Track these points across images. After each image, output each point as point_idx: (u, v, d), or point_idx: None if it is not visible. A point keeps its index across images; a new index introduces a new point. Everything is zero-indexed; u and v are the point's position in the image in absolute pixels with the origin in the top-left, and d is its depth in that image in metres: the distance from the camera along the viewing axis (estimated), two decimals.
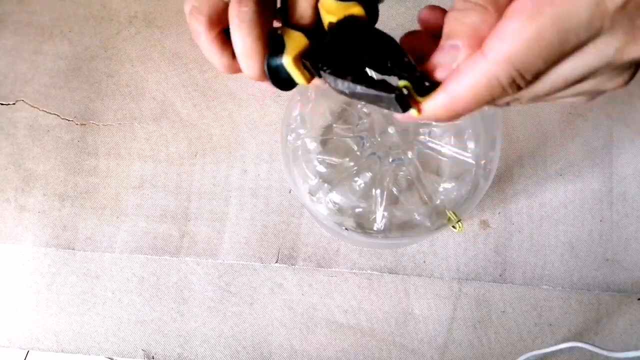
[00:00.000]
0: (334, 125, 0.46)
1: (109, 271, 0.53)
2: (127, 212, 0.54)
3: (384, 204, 0.43)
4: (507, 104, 0.22)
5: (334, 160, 0.45)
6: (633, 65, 0.20)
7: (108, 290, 0.52)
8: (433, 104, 0.21)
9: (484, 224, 0.52)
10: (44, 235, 0.53)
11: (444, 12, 0.23)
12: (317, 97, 0.45)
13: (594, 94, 0.22)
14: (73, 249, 0.53)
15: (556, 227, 0.52)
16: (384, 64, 0.24)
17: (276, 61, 0.25)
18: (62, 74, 0.57)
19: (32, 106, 0.57)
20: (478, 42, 0.20)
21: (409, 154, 0.44)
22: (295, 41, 0.26)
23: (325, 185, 0.44)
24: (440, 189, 0.44)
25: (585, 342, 0.43)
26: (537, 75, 0.19)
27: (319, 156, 0.45)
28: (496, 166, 0.41)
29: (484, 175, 0.42)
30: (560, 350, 0.47)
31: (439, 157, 0.45)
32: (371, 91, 0.23)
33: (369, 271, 0.51)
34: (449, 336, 0.50)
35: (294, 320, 0.51)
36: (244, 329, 0.51)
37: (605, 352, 0.42)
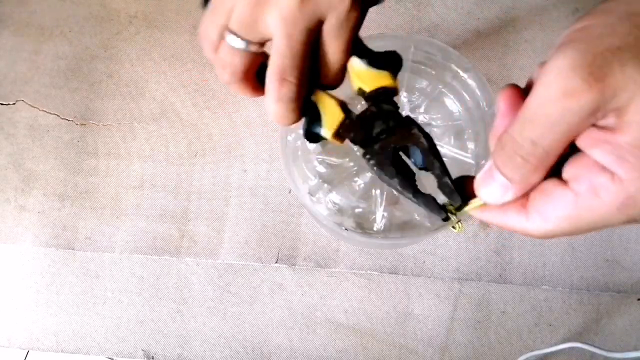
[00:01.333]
0: None
1: (108, 271, 0.53)
2: (126, 212, 0.54)
3: (383, 204, 0.43)
4: None
5: (334, 160, 0.45)
6: None
7: (108, 290, 0.52)
8: (489, 219, 0.25)
9: (484, 224, 0.52)
10: (44, 235, 0.53)
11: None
12: None
13: None
14: (73, 249, 0.53)
15: None
16: (422, 164, 0.26)
17: (316, 130, 0.27)
18: (62, 74, 0.57)
19: (32, 106, 0.57)
20: (523, 189, 0.22)
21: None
22: (332, 113, 0.27)
23: (325, 185, 0.44)
24: None
25: (585, 343, 0.43)
26: None
27: (319, 156, 0.45)
28: None
29: None
30: (560, 351, 0.47)
31: None
32: (419, 203, 0.26)
33: (369, 271, 0.51)
34: (448, 336, 0.50)
35: (293, 320, 0.51)
36: (243, 328, 0.51)
37: (604, 353, 0.42)
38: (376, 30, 0.55)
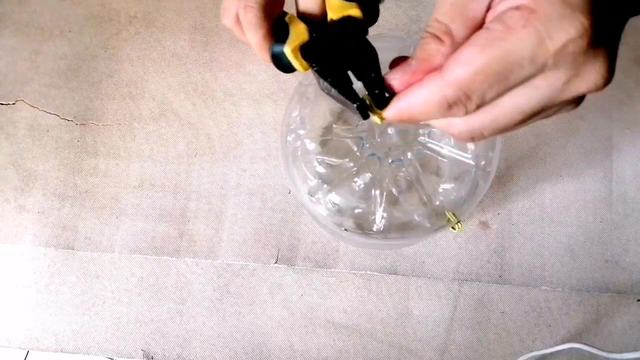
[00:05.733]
0: (334, 125, 0.46)
1: (108, 271, 0.53)
2: (126, 212, 0.54)
3: (383, 204, 0.43)
4: (473, 139, 0.25)
5: (334, 160, 0.45)
6: (578, 98, 0.24)
7: (107, 290, 0.52)
8: (392, 111, 0.25)
9: (484, 224, 0.52)
10: (44, 235, 0.53)
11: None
12: (317, 97, 0.45)
13: (544, 118, 0.26)
14: (72, 249, 0.53)
15: (556, 228, 0.51)
16: (361, 72, 0.28)
17: (278, 49, 0.29)
18: (62, 74, 0.57)
19: (32, 106, 0.57)
20: (428, 65, 0.23)
21: (409, 155, 0.44)
22: (298, 33, 0.29)
23: (325, 185, 0.44)
24: (440, 190, 0.44)
25: (585, 343, 0.43)
26: (483, 101, 0.22)
27: (319, 157, 0.45)
28: (496, 167, 0.41)
29: (483, 176, 0.42)
30: (560, 352, 0.47)
31: (439, 158, 0.45)
32: (341, 97, 0.28)
33: (368, 272, 0.51)
34: (448, 337, 0.50)
35: (293, 320, 0.51)
36: (243, 329, 0.51)
37: (604, 354, 0.42)
38: (375, 30, 0.55)
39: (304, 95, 0.44)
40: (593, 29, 0.20)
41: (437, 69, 0.23)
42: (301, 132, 0.44)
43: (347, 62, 0.28)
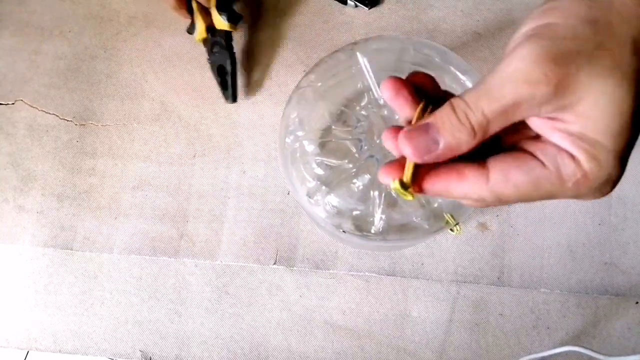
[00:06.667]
0: (333, 127, 0.46)
1: (107, 272, 0.53)
2: (125, 212, 0.54)
3: (382, 206, 0.43)
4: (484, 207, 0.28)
5: (333, 162, 0.45)
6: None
7: (106, 290, 0.52)
8: (430, 190, 0.26)
9: (482, 226, 0.52)
10: (42, 236, 0.53)
11: (427, 76, 0.28)
12: (316, 99, 0.45)
13: None
14: (71, 249, 0.53)
15: (554, 230, 0.51)
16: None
17: (193, 34, 0.55)
18: (62, 74, 0.57)
19: (31, 106, 0.57)
20: (454, 154, 0.24)
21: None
22: (200, 30, 0.53)
23: (323, 187, 0.44)
24: None
25: (583, 346, 0.43)
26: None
27: (317, 158, 0.45)
28: None
29: None
30: (558, 354, 0.47)
31: None
32: (218, 78, 0.56)
33: (367, 273, 0.51)
34: (446, 339, 0.50)
35: (291, 321, 0.51)
36: (241, 330, 0.51)
37: (602, 356, 0.42)
38: (375, 32, 0.55)
39: (302, 97, 0.44)
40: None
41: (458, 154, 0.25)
42: (300, 133, 0.44)
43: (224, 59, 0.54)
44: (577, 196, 0.24)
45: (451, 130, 0.24)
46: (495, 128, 0.23)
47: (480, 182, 0.24)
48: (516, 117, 0.23)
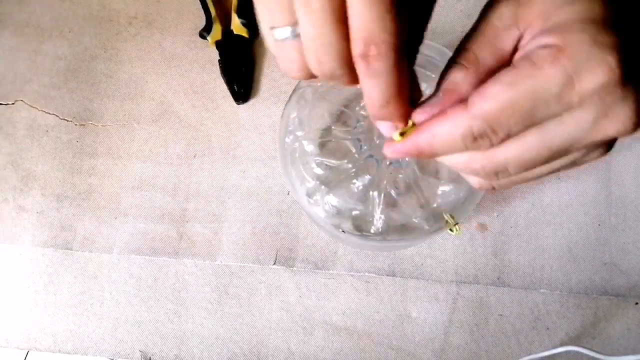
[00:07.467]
0: (333, 127, 0.46)
1: (106, 272, 0.53)
2: (125, 212, 0.54)
3: (381, 206, 0.43)
4: (497, 176, 0.25)
5: (332, 162, 0.45)
6: (607, 142, 0.23)
7: (106, 290, 0.52)
8: (410, 143, 0.24)
9: (482, 227, 0.52)
10: (42, 236, 0.53)
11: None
12: (315, 99, 0.45)
13: (572, 165, 0.25)
14: (71, 250, 0.53)
15: (554, 230, 0.51)
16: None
17: (206, 37, 0.58)
18: (62, 74, 0.57)
19: (31, 106, 0.57)
20: (455, 96, 0.24)
21: (407, 157, 0.44)
22: (215, 34, 0.57)
23: (323, 187, 0.44)
24: (438, 192, 0.44)
25: (583, 346, 0.43)
26: (509, 134, 0.22)
27: (317, 158, 0.45)
28: None
29: None
30: (558, 354, 0.47)
31: (437, 159, 0.45)
32: (225, 77, 0.57)
33: (366, 273, 0.51)
34: (446, 339, 0.50)
35: (291, 322, 0.51)
36: (241, 330, 0.51)
37: (602, 357, 0.42)
38: None
39: (302, 97, 0.44)
40: (622, 71, 0.20)
41: (463, 99, 0.23)
42: (299, 133, 0.44)
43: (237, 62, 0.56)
44: (568, 83, 0.20)
45: (445, 79, 0.24)
46: (485, 56, 0.23)
47: (460, 110, 0.22)
48: (498, 41, 0.23)
